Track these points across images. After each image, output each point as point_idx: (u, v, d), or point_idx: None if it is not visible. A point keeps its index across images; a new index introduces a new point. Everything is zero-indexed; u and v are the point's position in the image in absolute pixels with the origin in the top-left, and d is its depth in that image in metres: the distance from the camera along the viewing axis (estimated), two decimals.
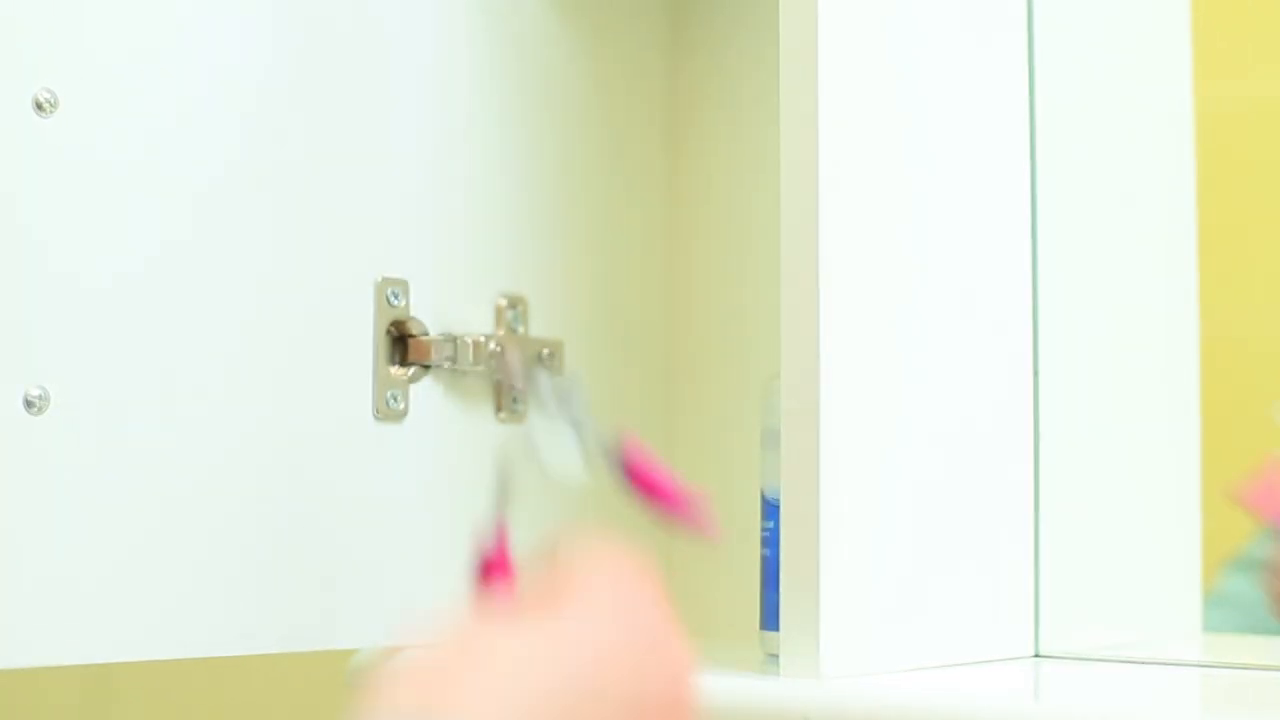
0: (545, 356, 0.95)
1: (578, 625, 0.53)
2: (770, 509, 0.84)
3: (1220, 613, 1.04)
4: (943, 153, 0.84)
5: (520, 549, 0.78)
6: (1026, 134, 0.89)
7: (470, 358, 0.91)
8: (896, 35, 0.82)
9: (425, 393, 0.91)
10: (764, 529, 0.85)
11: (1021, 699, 0.78)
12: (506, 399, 0.94)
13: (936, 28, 0.84)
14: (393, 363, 0.90)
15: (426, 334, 0.90)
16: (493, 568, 0.77)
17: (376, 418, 0.89)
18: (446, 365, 0.91)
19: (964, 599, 0.83)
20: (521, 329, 0.95)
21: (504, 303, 0.95)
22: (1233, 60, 1.09)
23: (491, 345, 0.92)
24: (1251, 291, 1.08)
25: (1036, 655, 0.87)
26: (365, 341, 0.88)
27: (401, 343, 0.90)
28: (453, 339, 0.91)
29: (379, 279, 0.89)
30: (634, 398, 1.03)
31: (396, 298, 0.89)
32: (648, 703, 0.54)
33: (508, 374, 0.93)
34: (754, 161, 1.02)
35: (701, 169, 1.05)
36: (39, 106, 0.77)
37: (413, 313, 0.90)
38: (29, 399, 0.76)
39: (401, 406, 0.89)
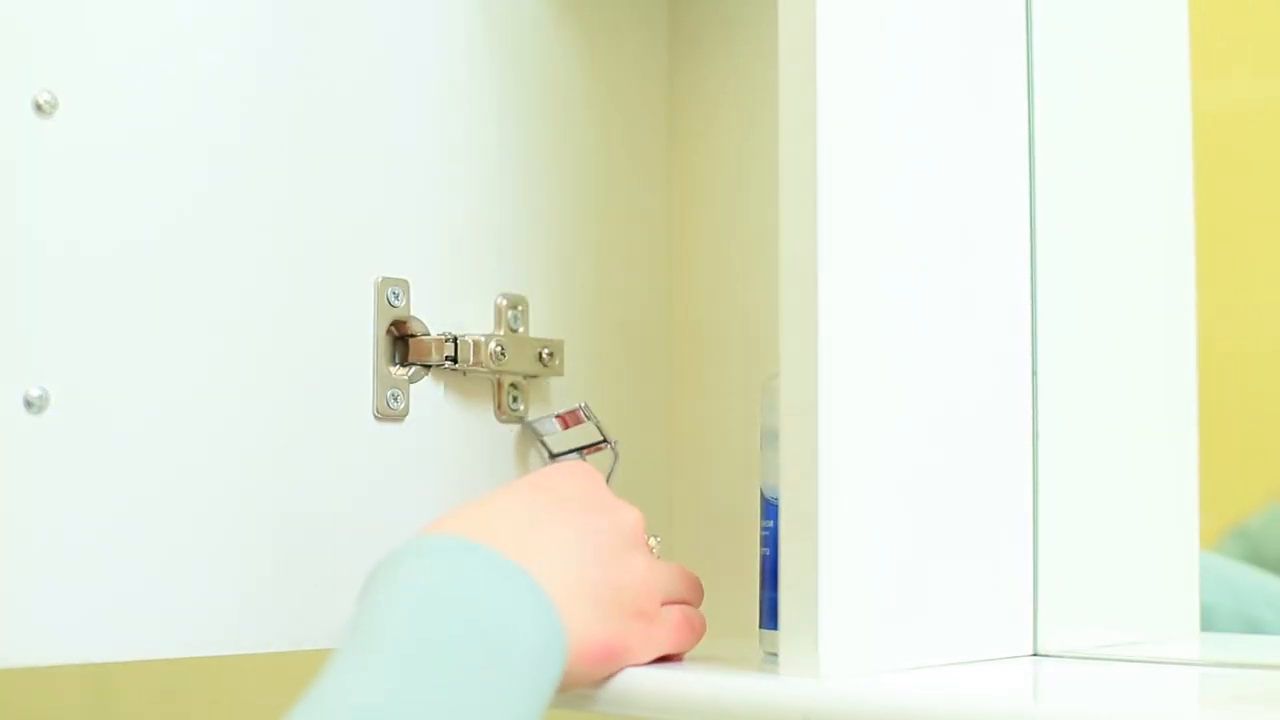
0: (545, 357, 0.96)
1: (531, 477, 0.83)
2: (770, 508, 0.84)
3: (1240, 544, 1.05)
4: (942, 153, 0.84)
5: None
6: (1025, 134, 0.89)
7: (470, 357, 0.91)
8: (895, 35, 0.82)
9: (425, 393, 0.91)
10: (763, 528, 0.85)
11: (1020, 698, 0.78)
12: (507, 399, 0.94)
13: (936, 27, 0.84)
14: (393, 362, 0.90)
15: (427, 334, 0.91)
16: None
17: (377, 417, 0.89)
18: (447, 365, 0.91)
19: (963, 598, 0.84)
20: (521, 329, 0.95)
21: (504, 303, 0.95)
22: (1231, 61, 1.09)
23: (492, 345, 0.92)
24: (1250, 291, 1.08)
25: (1035, 654, 0.87)
26: (366, 341, 0.89)
27: (402, 342, 0.90)
28: (453, 338, 0.91)
29: (379, 279, 0.89)
30: (634, 398, 1.03)
31: (397, 298, 0.89)
32: (584, 498, 0.81)
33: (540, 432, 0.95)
34: (754, 161, 1.02)
35: (701, 169, 1.05)
36: (39, 108, 0.77)
37: (413, 312, 0.90)
38: (29, 399, 0.76)
39: (402, 406, 0.90)
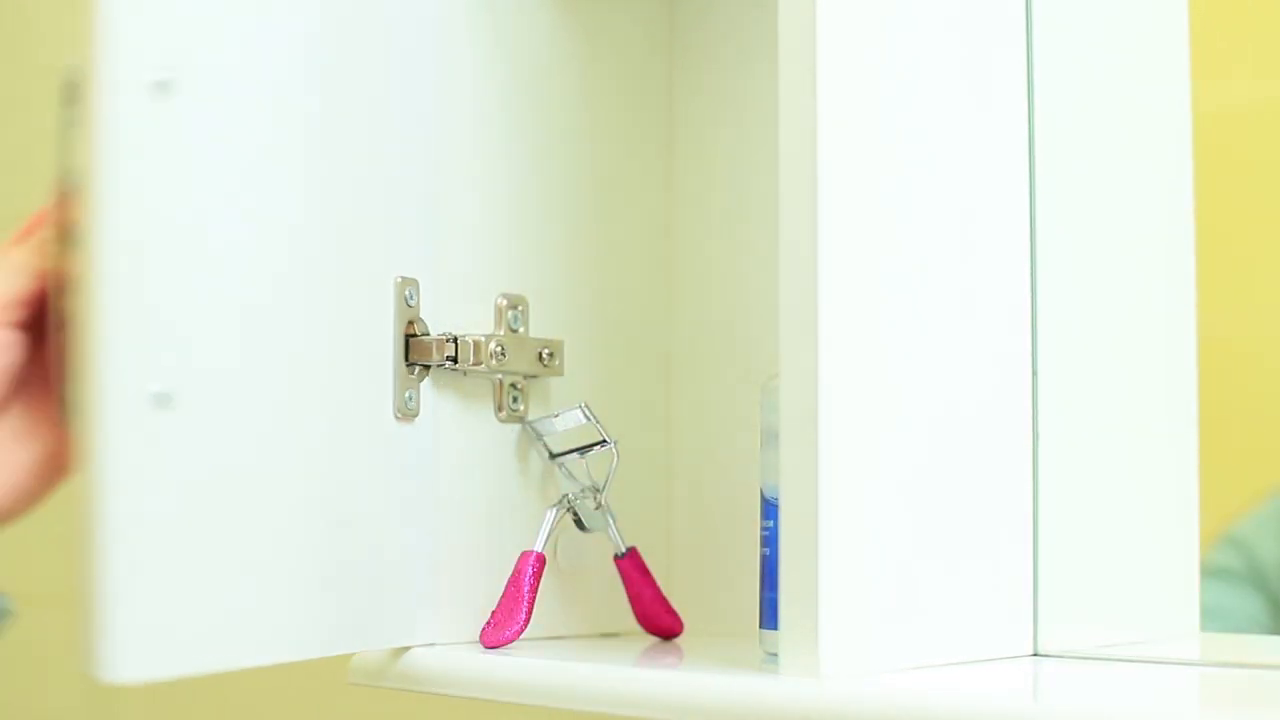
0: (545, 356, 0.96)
1: None
2: (770, 508, 0.84)
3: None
4: (942, 153, 0.84)
5: None
6: (1025, 134, 0.89)
7: (470, 357, 0.91)
8: (895, 35, 0.82)
9: (426, 393, 0.91)
10: (763, 528, 0.85)
11: (1020, 698, 0.78)
12: (507, 399, 0.94)
13: (936, 27, 0.84)
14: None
15: (427, 334, 0.91)
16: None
17: (397, 417, 0.89)
18: (447, 365, 0.91)
19: (963, 598, 0.84)
20: (521, 329, 0.95)
21: (504, 303, 0.95)
22: (1231, 61, 1.09)
23: (492, 345, 0.92)
24: (1250, 291, 1.08)
25: (1035, 654, 0.87)
26: (387, 341, 0.88)
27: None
28: (453, 338, 0.91)
29: (399, 279, 0.89)
30: (634, 398, 1.03)
31: (412, 297, 0.89)
32: None
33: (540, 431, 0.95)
34: (753, 161, 1.02)
35: (701, 169, 1.05)
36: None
37: (417, 312, 0.90)
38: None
39: (415, 406, 0.90)
